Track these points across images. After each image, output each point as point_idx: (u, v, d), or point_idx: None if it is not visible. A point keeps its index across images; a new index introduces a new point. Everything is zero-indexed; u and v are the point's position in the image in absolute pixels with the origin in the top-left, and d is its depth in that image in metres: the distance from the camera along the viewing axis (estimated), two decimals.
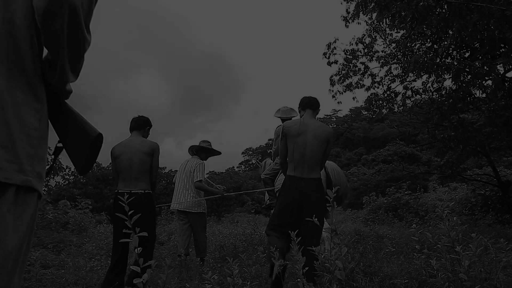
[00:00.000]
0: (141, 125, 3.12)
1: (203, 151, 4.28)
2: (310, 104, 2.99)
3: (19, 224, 0.76)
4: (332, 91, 8.84)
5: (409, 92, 8.14)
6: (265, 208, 5.12)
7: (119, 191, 2.90)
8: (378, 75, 8.72)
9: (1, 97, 0.76)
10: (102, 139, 1.06)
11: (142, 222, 2.60)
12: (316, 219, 2.11)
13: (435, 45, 7.10)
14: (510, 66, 6.28)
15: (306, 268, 1.90)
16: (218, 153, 4.36)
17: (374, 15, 6.88)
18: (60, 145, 1.03)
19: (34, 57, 0.87)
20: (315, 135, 2.82)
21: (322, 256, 2.32)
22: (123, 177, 2.92)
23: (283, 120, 4.54)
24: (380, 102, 8.43)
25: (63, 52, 0.87)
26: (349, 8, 7.78)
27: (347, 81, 8.74)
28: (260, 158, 4.66)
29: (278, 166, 4.48)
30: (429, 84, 7.75)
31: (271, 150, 4.46)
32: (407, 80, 8.27)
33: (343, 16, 7.85)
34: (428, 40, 7.15)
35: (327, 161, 3.36)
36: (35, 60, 0.87)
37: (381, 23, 7.42)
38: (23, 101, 0.82)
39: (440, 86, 7.44)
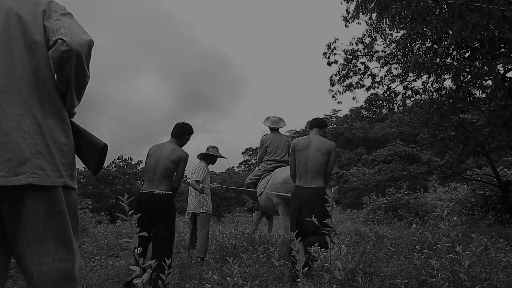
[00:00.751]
0: (181, 134, 3.36)
1: (210, 156, 4.60)
2: (316, 124, 3.48)
3: (70, 208, 1.24)
4: (332, 91, 8.84)
5: (409, 92, 8.14)
6: (247, 210, 5.39)
7: (143, 192, 3.15)
8: (378, 75, 8.72)
9: (40, 126, 1.16)
10: (107, 148, 1.42)
11: (161, 220, 3.00)
12: (315, 219, 2.22)
13: (435, 45, 7.10)
14: (510, 66, 6.28)
15: (306, 268, 1.99)
16: (224, 157, 4.70)
17: (374, 15, 6.88)
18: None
19: (57, 91, 1.24)
20: (317, 148, 3.24)
21: (322, 256, 2.32)
22: (148, 177, 3.19)
23: (271, 129, 4.90)
24: (380, 102, 8.43)
25: (71, 86, 1.23)
26: (349, 8, 7.78)
27: (347, 81, 8.74)
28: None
29: (261, 172, 4.96)
30: (429, 84, 7.75)
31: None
32: (407, 80, 8.27)
33: (343, 16, 7.85)
34: (428, 40, 7.15)
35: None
36: (57, 93, 1.24)
37: (381, 23, 7.42)
38: (54, 126, 1.21)
39: (440, 86, 7.44)
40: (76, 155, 1.36)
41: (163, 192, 3.12)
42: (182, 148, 3.38)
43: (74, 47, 1.16)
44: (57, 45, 1.15)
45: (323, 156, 3.22)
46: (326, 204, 2.06)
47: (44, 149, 1.16)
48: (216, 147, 4.65)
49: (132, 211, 1.62)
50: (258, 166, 4.95)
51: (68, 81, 1.22)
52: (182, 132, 3.38)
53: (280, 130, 5.05)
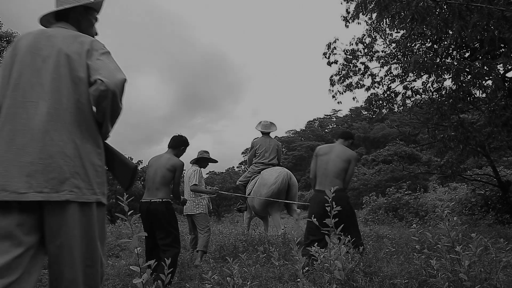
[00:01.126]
0: (176, 145, 3.58)
1: (203, 160, 4.76)
2: (342, 135, 3.68)
3: (99, 221, 1.45)
4: (332, 91, 8.85)
5: (409, 92, 8.15)
6: (236, 210, 5.58)
7: (142, 201, 3.37)
8: (378, 75, 8.73)
9: (79, 150, 1.39)
10: (137, 169, 1.80)
11: (162, 227, 3.25)
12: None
13: (435, 45, 7.10)
14: (510, 66, 6.28)
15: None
16: (215, 161, 4.81)
17: (374, 15, 6.88)
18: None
19: (94, 120, 1.47)
20: (338, 155, 3.42)
21: (321, 256, 2.32)
22: (148, 186, 3.40)
23: (262, 133, 5.13)
24: (380, 102, 8.43)
25: (107, 118, 1.47)
26: (349, 8, 7.79)
27: (347, 81, 8.74)
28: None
29: (250, 174, 5.20)
30: (429, 84, 7.75)
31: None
32: (407, 80, 8.27)
33: (343, 16, 7.85)
34: (428, 40, 7.15)
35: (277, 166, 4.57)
36: (95, 122, 1.47)
37: (381, 23, 7.42)
38: (91, 150, 1.44)
39: (440, 86, 7.44)
40: (111, 173, 1.66)
41: (160, 200, 3.29)
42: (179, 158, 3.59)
43: (110, 87, 1.40)
44: (97, 85, 1.39)
45: (343, 163, 3.39)
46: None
47: (81, 170, 1.40)
48: (207, 151, 4.81)
49: (132, 211, 1.62)
50: (249, 167, 5.19)
51: (104, 114, 1.46)
52: (178, 143, 3.60)
53: (271, 134, 5.30)
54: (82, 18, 1.67)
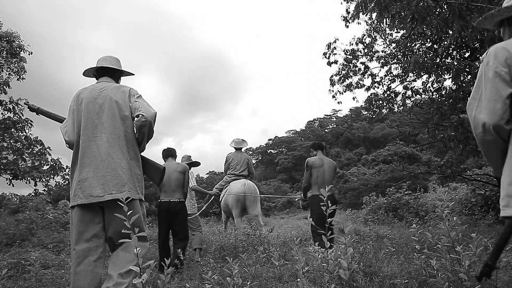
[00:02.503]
0: (172, 153, 4.38)
1: (191, 164, 5.24)
2: (319, 147, 4.53)
3: (141, 218, 2.09)
4: (332, 91, 8.85)
5: (409, 92, 8.15)
6: (211, 213, 6.59)
7: (162, 200, 4.07)
8: (378, 75, 8.72)
9: (129, 164, 2.18)
10: (165, 169, 2.53)
11: (178, 221, 4.00)
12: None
13: (435, 45, 7.10)
14: None
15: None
16: (198, 164, 5.36)
17: (374, 15, 6.88)
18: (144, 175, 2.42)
19: (136, 143, 2.25)
20: (329, 166, 4.35)
21: (320, 256, 2.32)
22: (164, 189, 4.05)
23: (235, 148, 5.99)
24: (380, 102, 8.43)
25: (145, 139, 2.23)
26: (349, 8, 7.79)
27: (347, 81, 8.74)
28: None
29: (224, 182, 5.97)
30: (429, 84, 7.75)
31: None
32: (407, 80, 8.27)
33: (343, 16, 7.85)
34: (428, 40, 7.15)
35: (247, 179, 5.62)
36: (136, 144, 2.25)
37: (381, 23, 7.42)
38: (135, 164, 2.24)
39: (440, 86, 7.44)
40: (145, 175, 2.43)
41: (178, 200, 4.05)
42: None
43: (148, 118, 2.17)
44: (139, 118, 2.16)
45: (333, 171, 4.38)
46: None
47: (131, 178, 2.20)
48: (190, 155, 5.41)
49: (131, 211, 1.62)
50: (226, 174, 6.03)
51: (143, 137, 2.26)
52: (174, 153, 4.40)
53: (243, 148, 6.18)
54: (118, 75, 2.55)
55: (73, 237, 2.17)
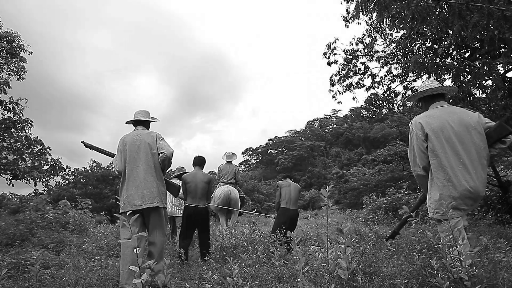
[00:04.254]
0: (202, 162, 5.14)
1: (181, 174, 6.04)
2: (291, 176, 6.16)
3: (163, 219, 3.51)
4: (332, 91, 8.85)
5: (409, 92, 8.14)
6: (211, 215, 7.72)
7: (189, 205, 4.77)
8: (378, 75, 8.72)
9: (157, 184, 3.46)
10: (180, 187, 4.29)
11: (203, 223, 4.78)
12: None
13: (435, 45, 7.10)
14: (510, 66, 6.27)
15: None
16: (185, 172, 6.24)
17: (374, 15, 6.87)
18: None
19: (160, 169, 3.55)
20: (295, 188, 5.76)
21: (320, 256, 2.32)
22: (191, 196, 4.77)
23: (226, 161, 7.13)
24: (380, 102, 8.43)
25: (165, 167, 3.56)
26: (349, 8, 7.79)
27: (347, 81, 8.74)
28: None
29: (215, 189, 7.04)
30: None
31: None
32: (407, 80, 8.27)
33: (343, 16, 7.85)
34: (428, 40, 7.14)
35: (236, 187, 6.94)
36: (160, 170, 3.56)
37: (381, 23, 7.42)
38: (161, 184, 3.52)
39: None
40: (167, 191, 3.67)
41: (202, 206, 4.78)
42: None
43: (168, 155, 3.41)
44: (162, 155, 3.41)
45: (298, 193, 5.81)
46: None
47: (158, 193, 3.42)
48: (183, 167, 6.56)
49: (131, 211, 1.62)
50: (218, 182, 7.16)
51: (164, 166, 3.50)
52: (202, 162, 5.15)
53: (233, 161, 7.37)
54: (148, 122, 3.75)
55: (122, 233, 3.36)
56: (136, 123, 3.68)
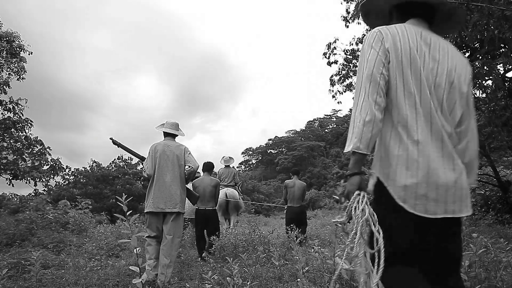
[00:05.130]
0: (210, 168, 5.67)
1: None
2: (296, 173, 6.59)
3: (181, 224, 3.84)
4: (332, 91, 8.85)
5: None
6: None
7: (199, 208, 5.27)
8: None
9: (180, 192, 3.83)
10: (199, 197, 4.50)
11: (212, 224, 5.20)
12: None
13: None
14: (510, 66, 6.27)
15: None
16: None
17: None
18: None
19: (184, 179, 3.89)
20: (299, 187, 6.27)
21: (322, 256, 2.32)
22: (200, 199, 4.99)
23: (225, 165, 7.58)
24: None
25: (190, 179, 4.06)
26: (349, 8, 7.78)
27: (347, 81, 8.73)
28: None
29: None
30: None
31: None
32: None
33: (343, 16, 7.85)
34: None
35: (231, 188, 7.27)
36: (184, 180, 3.89)
37: None
38: (183, 192, 3.87)
39: None
40: (187, 199, 4.03)
41: (211, 208, 5.29)
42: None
43: (193, 169, 3.82)
44: (189, 168, 3.82)
45: (302, 191, 6.33)
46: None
47: (180, 201, 3.76)
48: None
49: (131, 211, 1.62)
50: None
51: (189, 178, 3.94)
52: (210, 168, 5.66)
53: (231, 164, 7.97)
54: (173, 137, 4.02)
55: (146, 229, 3.78)
56: (166, 133, 4.00)
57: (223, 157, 7.74)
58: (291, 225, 5.27)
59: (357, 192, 1.23)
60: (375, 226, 1.19)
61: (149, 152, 3.85)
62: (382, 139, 1.33)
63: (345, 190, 1.28)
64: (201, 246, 5.04)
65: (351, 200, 1.23)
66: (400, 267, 1.20)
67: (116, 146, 4.13)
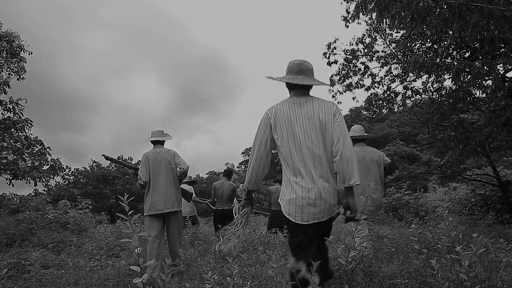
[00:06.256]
0: (229, 174, 6.38)
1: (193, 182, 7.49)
2: (280, 182, 6.79)
3: (179, 220, 4.27)
4: (332, 91, 8.85)
5: (409, 92, 8.14)
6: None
7: (217, 208, 6.00)
8: (378, 75, 8.72)
9: (175, 192, 4.16)
10: (193, 194, 6.61)
11: (227, 220, 4.67)
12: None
13: (435, 45, 7.10)
14: (510, 66, 6.27)
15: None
16: (195, 182, 7.25)
17: (374, 15, 6.88)
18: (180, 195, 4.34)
19: (178, 180, 4.23)
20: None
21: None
22: (219, 200, 5.98)
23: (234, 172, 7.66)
24: (380, 102, 8.43)
25: (182, 179, 4.34)
26: (349, 8, 7.79)
27: (347, 81, 8.74)
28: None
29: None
30: (429, 84, 7.74)
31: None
32: (407, 80, 8.27)
33: (343, 16, 7.85)
34: (428, 40, 7.14)
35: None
36: (178, 181, 4.23)
37: (381, 23, 7.42)
38: (178, 192, 4.22)
39: (440, 86, 7.43)
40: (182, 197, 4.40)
41: (228, 208, 5.88)
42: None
43: (184, 170, 4.17)
44: (180, 169, 4.16)
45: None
46: None
47: (176, 200, 4.13)
48: (190, 175, 7.20)
49: (132, 211, 1.61)
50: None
51: (182, 178, 4.27)
52: (229, 174, 6.35)
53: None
54: (161, 143, 4.35)
55: (147, 231, 3.97)
56: (154, 141, 4.35)
57: (227, 163, 8.19)
58: (273, 229, 5.68)
59: (247, 206, 2.49)
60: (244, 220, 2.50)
61: (142, 161, 4.17)
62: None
63: (243, 203, 2.47)
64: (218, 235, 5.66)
65: (243, 209, 2.48)
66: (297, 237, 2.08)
67: (109, 162, 4.65)
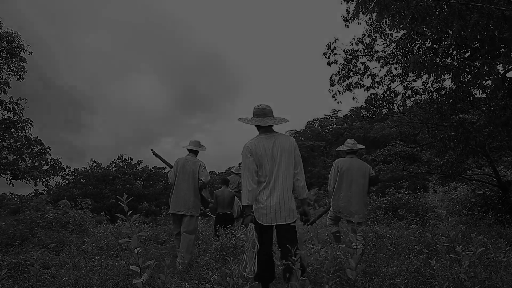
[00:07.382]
0: (226, 181, 6.78)
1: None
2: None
3: (194, 224, 4.67)
4: (332, 91, 8.83)
5: (409, 92, 8.12)
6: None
7: (219, 213, 6.40)
8: (378, 75, 8.71)
9: (194, 198, 4.68)
10: (211, 202, 5.85)
11: (228, 224, 5.98)
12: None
13: (435, 45, 7.09)
14: (510, 66, 6.26)
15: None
16: None
17: (374, 15, 6.86)
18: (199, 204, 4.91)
19: (198, 189, 4.73)
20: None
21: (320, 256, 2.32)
22: (221, 206, 6.40)
23: (235, 173, 7.90)
24: (380, 102, 8.41)
25: (201, 190, 4.82)
26: (349, 8, 7.77)
27: (347, 81, 8.72)
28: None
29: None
30: (429, 84, 7.73)
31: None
32: (407, 80, 8.26)
33: (343, 16, 7.84)
34: (428, 40, 7.13)
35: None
36: (198, 189, 4.75)
37: (381, 23, 7.41)
38: (197, 199, 4.71)
39: (440, 86, 7.42)
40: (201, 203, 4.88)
41: (229, 212, 6.43)
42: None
43: (204, 182, 4.67)
44: (201, 181, 4.66)
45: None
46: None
47: (194, 205, 4.66)
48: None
49: (132, 211, 1.61)
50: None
51: (201, 189, 4.74)
52: (227, 182, 6.79)
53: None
54: (195, 153, 4.90)
55: (172, 227, 4.82)
56: (189, 149, 4.86)
57: (234, 167, 8.50)
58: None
59: (251, 221, 2.82)
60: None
61: (174, 164, 4.79)
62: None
63: (246, 220, 2.91)
64: (218, 234, 5.74)
65: (249, 226, 2.78)
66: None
67: (155, 156, 5.55)
